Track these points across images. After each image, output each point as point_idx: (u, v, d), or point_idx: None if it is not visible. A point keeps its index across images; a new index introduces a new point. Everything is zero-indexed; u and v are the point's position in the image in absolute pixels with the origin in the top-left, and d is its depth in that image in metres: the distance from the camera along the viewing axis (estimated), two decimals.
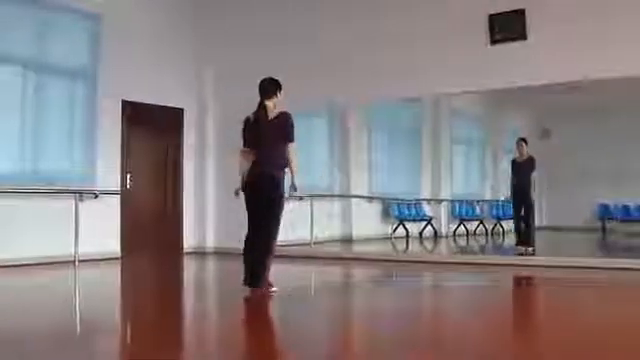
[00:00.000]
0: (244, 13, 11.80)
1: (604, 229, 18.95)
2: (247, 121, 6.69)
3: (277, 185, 6.48)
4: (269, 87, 6.68)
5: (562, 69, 9.15)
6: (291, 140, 6.50)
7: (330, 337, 5.09)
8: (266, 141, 6.49)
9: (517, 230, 11.65)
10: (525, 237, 11.33)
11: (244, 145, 6.66)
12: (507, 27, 9.45)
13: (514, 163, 11.67)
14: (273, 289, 6.62)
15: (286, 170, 6.56)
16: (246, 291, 6.47)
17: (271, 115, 6.55)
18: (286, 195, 6.61)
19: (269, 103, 6.60)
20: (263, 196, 6.50)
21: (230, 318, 5.81)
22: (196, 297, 7.39)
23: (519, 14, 9.38)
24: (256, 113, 6.61)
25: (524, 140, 11.72)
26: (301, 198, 12.48)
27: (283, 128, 6.50)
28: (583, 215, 18.97)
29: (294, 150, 6.53)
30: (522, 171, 11.45)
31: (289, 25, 11.24)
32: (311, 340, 4.77)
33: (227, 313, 6.13)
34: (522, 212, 11.58)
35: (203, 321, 5.87)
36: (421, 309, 6.63)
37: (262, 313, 6.22)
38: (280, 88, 6.71)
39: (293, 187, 6.61)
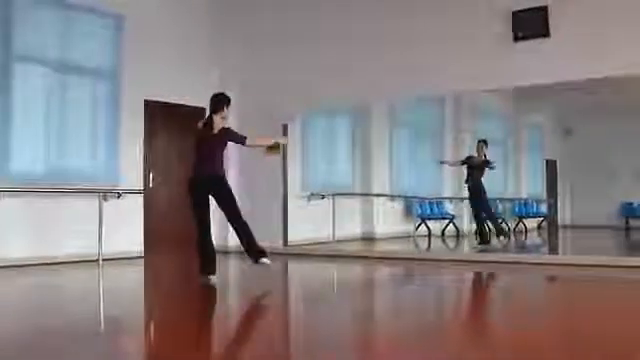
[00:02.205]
0: (265, 13, 11.85)
1: (628, 227, 18.79)
2: (198, 130, 7.60)
3: (223, 180, 7.55)
4: (218, 103, 7.58)
5: (585, 66, 9.07)
6: (244, 139, 7.67)
7: (356, 336, 5.09)
8: (209, 151, 7.46)
9: (479, 229, 12.17)
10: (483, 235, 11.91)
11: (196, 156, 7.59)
12: (530, 24, 9.40)
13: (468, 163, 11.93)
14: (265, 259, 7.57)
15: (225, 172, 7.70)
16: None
17: (215, 130, 7.49)
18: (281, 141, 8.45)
19: (216, 117, 7.51)
20: (213, 193, 7.49)
21: (258, 318, 5.82)
22: (222, 296, 7.41)
23: (542, 11, 9.33)
24: (204, 125, 7.55)
25: (484, 142, 11.92)
26: (323, 197, 12.58)
27: (224, 141, 7.57)
28: (607, 213, 18.83)
29: (252, 140, 7.87)
30: (475, 172, 11.68)
31: (309, 25, 11.26)
32: (340, 339, 4.78)
33: (255, 313, 6.14)
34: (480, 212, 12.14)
35: (229, 321, 5.89)
36: (447, 307, 6.62)
37: (287, 314, 6.24)
38: (228, 103, 7.63)
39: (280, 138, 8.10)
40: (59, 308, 6.27)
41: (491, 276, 9.18)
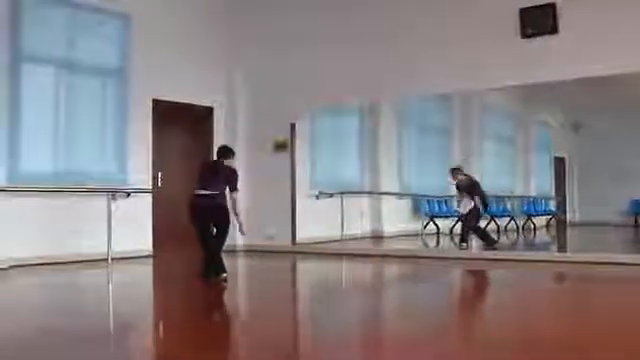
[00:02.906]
0: (274, 13, 11.85)
1: (637, 225, 18.74)
2: (205, 164, 8.14)
3: (229, 216, 7.75)
4: (226, 153, 7.99)
5: (594, 63, 9.03)
6: (235, 189, 7.84)
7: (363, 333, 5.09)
8: (218, 184, 7.73)
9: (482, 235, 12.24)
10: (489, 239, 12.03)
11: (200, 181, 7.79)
12: (538, 21, 9.37)
13: (458, 187, 12.18)
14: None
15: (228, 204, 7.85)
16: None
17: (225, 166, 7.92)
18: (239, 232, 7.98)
19: (225, 162, 7.91)
20: (218, 222, 7.71)
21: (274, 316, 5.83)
22: (231, 295, 7.41)
23: (550, 8, 9.30)
24: (215, 162, 8.04)
25: (457, 169, 12.13)
26: (332, 195, 12.57)
27: (230, 179, 7.83)
28: (616, 211, 18.78)
29: (238, 197, 7.91)
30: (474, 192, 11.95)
31: (318, 25, 11.26)
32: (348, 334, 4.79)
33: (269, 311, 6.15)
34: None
35: (238, 319, 5.90)
36: (459, 305, 6.61)
37: (296, 312, 6.24)
38: (233, 155, 8.05)
39: (240, 229, 7.92)
40: (68, 308, 6.28)
41: (501, 274, 9.15)
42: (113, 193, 10.01)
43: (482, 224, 12.85)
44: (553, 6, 9.28)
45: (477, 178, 12.44)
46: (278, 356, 4.23)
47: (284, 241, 11.54)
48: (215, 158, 8.16)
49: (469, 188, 11.86)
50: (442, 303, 6.69)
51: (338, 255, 10.90)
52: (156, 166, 11.14)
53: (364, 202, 14.74)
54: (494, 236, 12.65)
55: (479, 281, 8.93)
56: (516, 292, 7.38)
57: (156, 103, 11.09)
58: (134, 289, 7.91)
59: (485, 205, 12.04)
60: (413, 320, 5.45)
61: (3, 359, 4.11)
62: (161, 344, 4.80)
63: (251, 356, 4.38)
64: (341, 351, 4.31)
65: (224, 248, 7.81)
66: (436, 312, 5.96)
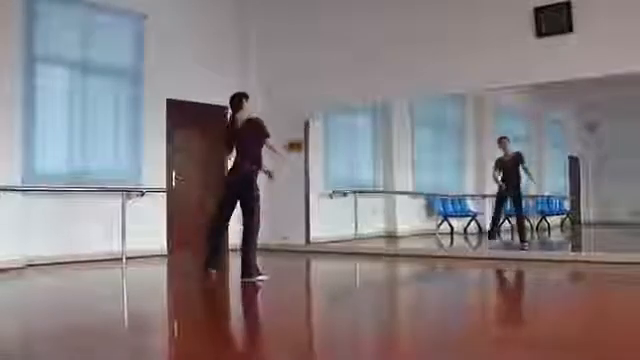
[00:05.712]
0: (287, 14, 11.88)
1: None
2: (227, 128, 7.76)
3: (251, 185, 7.44)
4: (235, 102, 7.69)
5: (609, 62, 8.98)
6: (267, 136, 7.47)
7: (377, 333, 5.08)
8: (241, 146, 7.53)
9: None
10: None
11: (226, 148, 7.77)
12: (553, 20, 9.33)
13: (500, 161, 12.00)
14: (262, 277, 7.30)
15: (259, 168, 7.63)
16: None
17: (240, 124, 7.57)
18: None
19: (237, 115, 7.62)
20: (240, 194, 7.48)
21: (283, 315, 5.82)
22: (244, 295, 7.42)
23: (565, 7, 9.25)
24: (230, 124, 7.69)
25: (506, 138, 11.84)
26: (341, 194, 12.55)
27: (254, 132, 7.50)
28: (630, 211, 18.65)
29: (271, 142, 7.56)
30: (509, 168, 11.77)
31: (332, 24, 11.27)
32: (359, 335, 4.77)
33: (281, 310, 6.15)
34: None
35: (251, 319, 5.91)
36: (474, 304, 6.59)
37: (309, 312, 6.23)
38: (246, 98, 7.74)
39: (269, 173, 7.79)
40: (85, 306, 6.30)
41: (518, 273, 9.11)
42: (128, 192, 10.05)
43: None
44: (568, 5, 9.23)
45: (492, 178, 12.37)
46: (293, 356, 4.23)
47: (298, 240, 11.55)
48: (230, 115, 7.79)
49: (514, 165, 11.78)
50: (462, 303, 6.65)
51: (352, 254, 10.89)
52: (170, 165, 11.17)
53: (378, 201, 14.72)
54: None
55: (497, 280, 8.90)
56: (536, 292, 7.35)
57: (170, 103, 11.12)
58: (149, 288, 7.92)
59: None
60: (437, 320, 5.44)
61: (29, 357, 4.14)
62: (178, 343, 4.80)
63: (267, 355, 4.38)
64: (360, 352, 4.30)
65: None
66: (458, 312, 5.93)
